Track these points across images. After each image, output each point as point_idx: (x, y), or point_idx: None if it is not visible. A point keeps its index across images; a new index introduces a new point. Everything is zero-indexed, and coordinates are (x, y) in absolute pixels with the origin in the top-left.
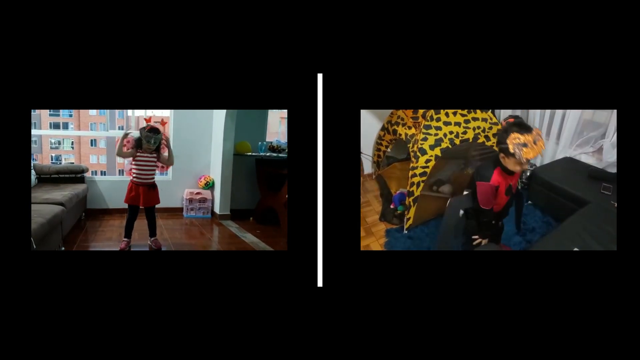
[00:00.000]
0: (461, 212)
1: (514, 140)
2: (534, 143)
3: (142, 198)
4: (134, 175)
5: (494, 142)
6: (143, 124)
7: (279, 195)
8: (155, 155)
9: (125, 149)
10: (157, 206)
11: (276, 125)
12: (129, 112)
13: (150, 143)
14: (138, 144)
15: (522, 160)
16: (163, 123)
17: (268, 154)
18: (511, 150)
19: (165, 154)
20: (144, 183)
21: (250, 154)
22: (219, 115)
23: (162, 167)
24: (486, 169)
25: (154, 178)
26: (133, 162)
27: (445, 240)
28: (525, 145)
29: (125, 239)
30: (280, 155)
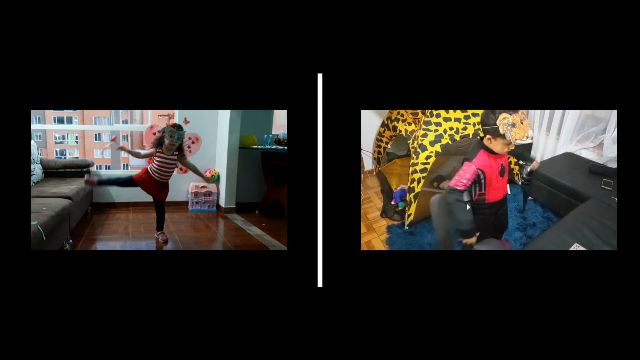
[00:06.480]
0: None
1: (503, 120)
2: (521, 123)
3: (151, 190)
4: (153, 171)
5: None
6: (147, 116)
7: (284, 188)
8: (175, 156)
9: (148, 146)
10: None
11: (283, 117)
12: None
13: (173, 138)
14: (158, 142)
15: (511, 141)
16: (186, 122)
17: (274, 147)
18: (501, 132)
19: (189, 160)
20: (159, 181)
21: (256, 146)
22: None
23: (182, 169)
24: (472, 152)
25: (169, 179)
26: (154, 162)
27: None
28: (513, 125)
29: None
30: (286, 148)
